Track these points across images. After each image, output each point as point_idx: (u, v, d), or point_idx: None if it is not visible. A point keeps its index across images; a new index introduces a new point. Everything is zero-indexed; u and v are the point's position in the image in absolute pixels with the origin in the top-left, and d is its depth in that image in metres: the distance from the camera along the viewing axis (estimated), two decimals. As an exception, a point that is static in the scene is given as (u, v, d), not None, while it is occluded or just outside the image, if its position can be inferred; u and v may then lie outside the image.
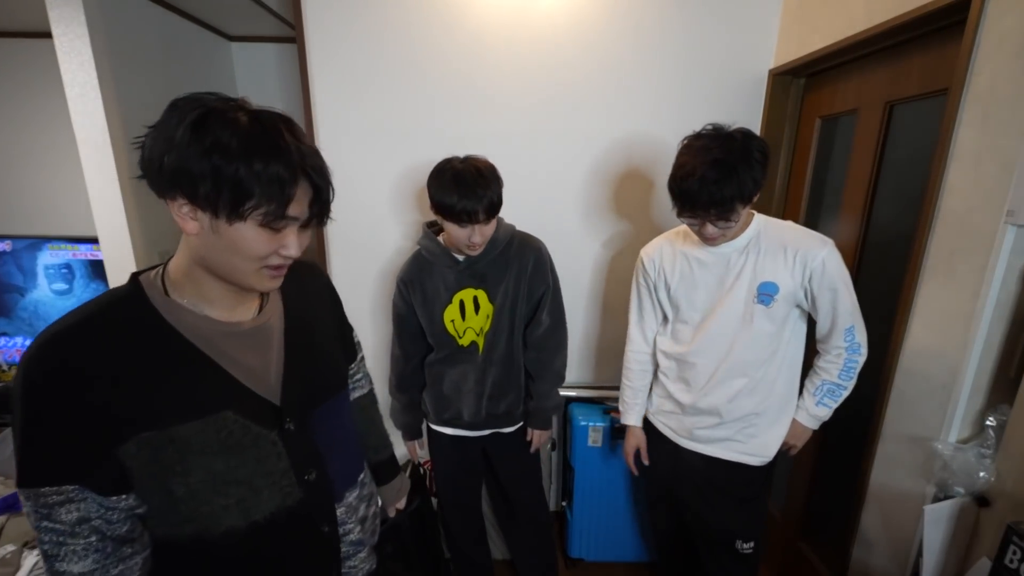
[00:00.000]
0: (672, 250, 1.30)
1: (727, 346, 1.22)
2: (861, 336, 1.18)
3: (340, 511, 0.85)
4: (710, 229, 1.13)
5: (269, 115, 0.61)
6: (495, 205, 1.25)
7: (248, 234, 0.61)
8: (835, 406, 1.24)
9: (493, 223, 1.30)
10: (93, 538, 0.63)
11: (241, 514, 0.70)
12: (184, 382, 0.65)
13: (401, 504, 1.13)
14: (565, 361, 1.50)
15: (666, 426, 1.39)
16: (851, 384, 1.21)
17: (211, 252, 0.63)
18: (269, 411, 0.72)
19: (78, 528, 0.62)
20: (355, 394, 1.02)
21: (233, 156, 0.56)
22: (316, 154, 0.64)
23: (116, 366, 0.61)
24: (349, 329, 1.00)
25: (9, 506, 1.62)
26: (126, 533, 0.66)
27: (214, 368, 0.67)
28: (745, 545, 1.34)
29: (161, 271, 0.68)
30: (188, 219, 0.60)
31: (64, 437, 0.60)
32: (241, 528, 0.70)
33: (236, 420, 0.68)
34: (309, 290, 0.86)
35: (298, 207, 0.62)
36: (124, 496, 0.65)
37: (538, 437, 1.51)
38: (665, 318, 1.36)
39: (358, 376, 1.03)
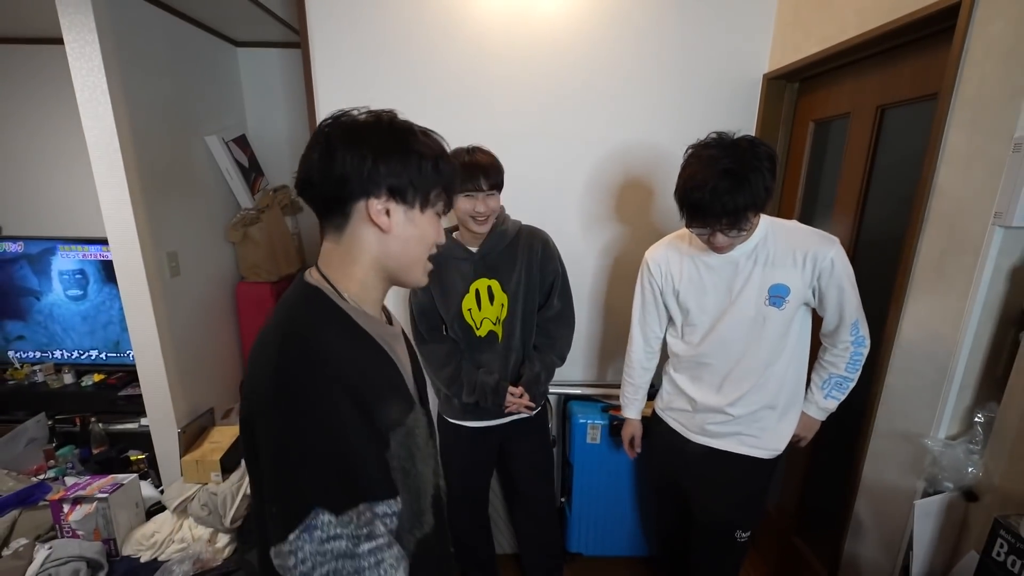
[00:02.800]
0: (679, 255, 1.29)
1: (740, 349, 1.24)
2: (865, 329, 1.21)
3: None
4: (720, 239, 1.13)
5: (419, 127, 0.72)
6: (493, 174, 1.33)
7: (433, 222, 0.72)
8: (843, 398, 1.27)
9: (497, 199, 1.37)
10: (396, 548, 0.60)
11: (433, 512, 0.74)
12: (391, 378, 0.69)
13: None
14: (570, 343, 1.57)
15: (677, 422, 1.40)
16: (857, 376, 1.25)
17: (400, 245, 0.69)
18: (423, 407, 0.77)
19: (391, 539, 0.59)
20: None
21: (427, 156, 0.68)
22: None
23: (361, 366, 0.64)
24: None
25: (21, 500, 1.65)
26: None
27: (397, 366, 0.72)
28: (743, 535, 1.37)
29: (317, 272, 0.70)
30: (383, 215, 0.66)
31: (376, 443, 0.62)
32: (431, 525, 0.73)
33: (424, 414, 0.75)
34: None
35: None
36: (396, 498, 0.63)
37: (523, 395, 1.49)
38: (671, 320, 1.38)
39: None
